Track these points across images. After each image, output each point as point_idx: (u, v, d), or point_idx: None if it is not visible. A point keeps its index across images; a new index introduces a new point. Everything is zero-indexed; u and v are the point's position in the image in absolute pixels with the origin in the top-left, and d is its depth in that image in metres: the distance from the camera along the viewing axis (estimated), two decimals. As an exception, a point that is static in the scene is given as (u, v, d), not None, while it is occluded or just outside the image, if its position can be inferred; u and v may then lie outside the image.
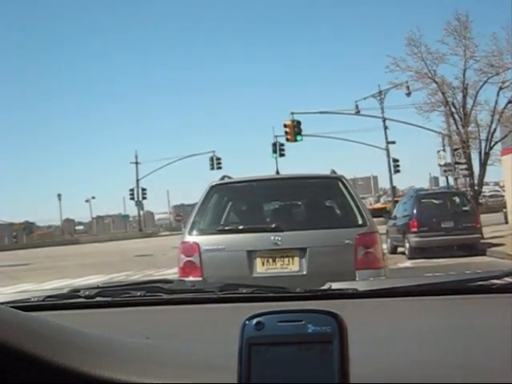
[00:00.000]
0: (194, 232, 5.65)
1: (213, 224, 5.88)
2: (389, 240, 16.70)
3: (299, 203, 6.78)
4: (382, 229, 15.32)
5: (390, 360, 1.10)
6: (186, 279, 4.60)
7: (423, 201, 16.28)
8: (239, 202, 6.54)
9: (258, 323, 0.84)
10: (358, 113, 31.39)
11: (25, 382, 1.00)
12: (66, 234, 63.46)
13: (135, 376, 1.01)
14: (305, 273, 5.28)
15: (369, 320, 1.41)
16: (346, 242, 5.37)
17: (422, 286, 1.75)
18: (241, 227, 5.79)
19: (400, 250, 16.03)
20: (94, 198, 69.77)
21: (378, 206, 43.27)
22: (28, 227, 59.82)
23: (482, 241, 15.66)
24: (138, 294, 1.74)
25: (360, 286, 1.72)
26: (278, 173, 9.09)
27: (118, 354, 1.07)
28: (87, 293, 1.76)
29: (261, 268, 5.39)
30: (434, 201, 16.65)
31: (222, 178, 6.30)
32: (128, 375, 1.01)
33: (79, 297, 1.77)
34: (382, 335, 1.30)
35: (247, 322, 0.85)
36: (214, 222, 5.94)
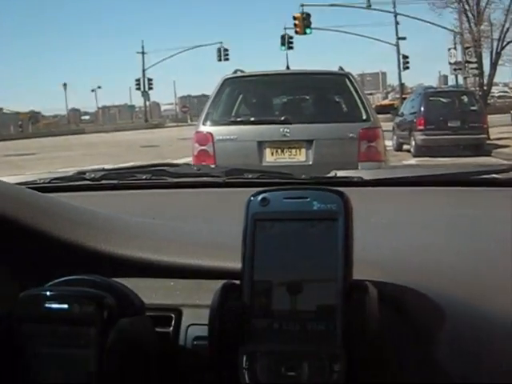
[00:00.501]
0: (208, 123, 6.06)
1: (225, 115, 6.26)
2: (395, 137, 16.66)
3: (307, 98, 7.09)
4: (388, 126, 15.29)
5: (394, 244, 1.11)
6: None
7: (431, 99, 16.11)
8: (250, 95, 6.84)
9: (263, 199, 0.84)
10: (369, 7, 30.63)
11: (32, 256, 1.02)
12: (72, 123, 63.33)
13: (140, 252, 1.02)
14: (311, 163, 5.69)
15: (373, 208, 1.41)
16: (350, 135, 5.76)
17: (428, 177, 1.74)
18: (252, 119, 6.17)
19: (406, 147, 16.02)
20: (99, 87, 69.50)
21: (386, 102, 42.90)
22: (34, 117, 59.65)
23: (488, 142, 15.62)
24: (144, 177, 1.74)
25: (365, 174, 1.71)
26: (288, 68, 9.08)
27: (124, 231, 1.08)
28: (93, 175, 1.77)
29: (270, 158, 5.83)
30: (442, 99, 16.48)
31: (235, 72, 6.64)
32: (134, 251, 1.02)
33: (85, 179, 1.77)
34: (385, 222, 1.30)
35: (252, 198, 0.84)
36: (226, 113, 6.31)
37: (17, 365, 0.84)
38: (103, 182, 1.74)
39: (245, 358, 0.78)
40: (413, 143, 15.24)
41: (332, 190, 0.84)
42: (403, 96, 28.68)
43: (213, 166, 4.36)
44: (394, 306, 0.89)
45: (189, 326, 0.93)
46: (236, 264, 0.86)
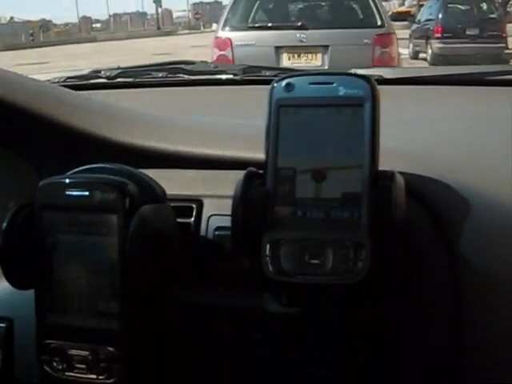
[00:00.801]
0: (227, 28, 6.43)
1: (243, 21, 6.60)
2: (411, 45, 16.33)
3: (323, 4, 7.29)
4: (404, 33, 14.96)
5: (419, 138, 1.09)
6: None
7: (449, 6, 15.66)
8: (267, 1, 7.09)
9: (287, 84, 0.81)
10: None
11: (52, 149, 1.01)
12: (84, 31, 62.52)
13: (161, 143, 1.00)
14: (326, 67, 5.91)
15: (395, 105, 1.38)
16: (365, 41, 6.07)
17: (448, 76, 1.70)
18: (269, 25, 6.45)
19: (422, 56, 15.71)
20: (111, -6, 67.85)
21: (402, 9, 41.68)
22: (45, 25, 58.87)
23: (507, 51, 15.27)
24: (160, 74, 1.70)
25: (385, 73, 1.67)
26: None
27: (145, 123, 1.06)
28: (108, 73, 1.74)
29: (287, 62, 6.13)
30: (461, 6, 16.01)
31: None
32: (154, 142, 1.00)
33: (100, 77, 1.74)
34: (408, 118, 1.28)
35: (276, 84, 0.82)
36: (244, 19, 6.63)
37: (37, 254, 0.84)
38: (119, 80, 1.71)
39: (268, 246, 0.77)
40: (429, 51, 14.93)
41: (359, 75, 0.81)
42: (420, 3, 27.92)
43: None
44: (420, 199, 0.88)
45: (210, 216, 0.92)
46: (258, 154, 0.85)
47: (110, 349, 0.81)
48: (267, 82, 1.42)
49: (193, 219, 0.92)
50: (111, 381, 0.82)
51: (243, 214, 0.78)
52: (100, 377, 0.82)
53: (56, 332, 0.84)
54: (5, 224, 0.83)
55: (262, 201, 0.78)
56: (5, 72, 1.05)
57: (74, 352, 0.83)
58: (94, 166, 0.87)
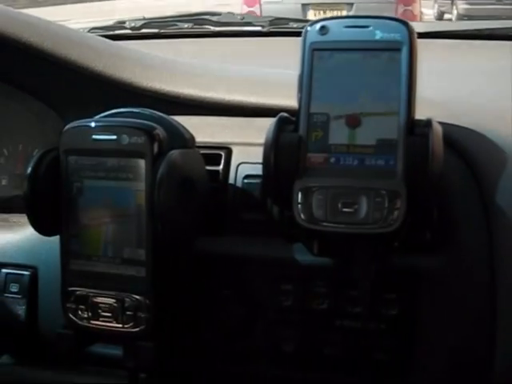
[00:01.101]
0: None
1: None
2: (436, 5, 16.02)
3: None
4: (430, -7, 14.72)
5: (455, 88, 1.05)
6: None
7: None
8: None
9: (322, 28, 0.78)
10: None
11: (80, 95, 0.99)
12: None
13: (189, 89, 0.97)
14: None
15: (426, 57, 1.33)
16: None
17: (481, 31, 1.65)
18: None
19: (447, 16, 15.42)
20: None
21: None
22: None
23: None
24: (186, 25, 1.67)
25: (416, 26, 1.61)
26: None
27: (173, 69, 1.03)
28: (133, 24, 1.70)
29: (313, 18, 6.47)
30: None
31: None
32: (182, 87, 0.97)
33: (125, 28, 1.71)
34: (442, 70, 1.23)
35: (310, 28, 0.78)
36: None
37: (62, 199, 0.81)
38: (144, 30, 1.67)
39: (300, 194, 0.74)
40: (455, 12, 14.64)
41: (396, 18, 0.78)
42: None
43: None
44: (457, 149, 0.85)
45: (239, 164, 0.90)
46: (290, 101, 0.81)
47: (136, 297, 0.79)
48: (294, 34, 1.37)
49: (221, 167, 0.89)
50: (137, 329, 0.80)
51: (275, 160, 0.75)
52: (125, 326, 0.80)
53: (81, 279, 0.82)
54: (29, 170, 0.81)
55: (295, 147, 0.75)
56: (34, 18, 1.03)
57: (99, 300, 0.81)
58: (122, 110, 0.84)
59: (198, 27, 1.66)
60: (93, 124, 0.80)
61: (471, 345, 0.82)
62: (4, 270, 0.97)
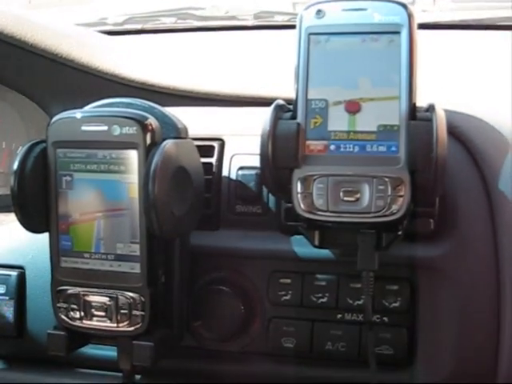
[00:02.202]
0: None
1: None
2: None
3: None
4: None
5: (457, 76, 1.02)
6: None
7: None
8: None
9: (318, 11, 0.74)
10: None
11: (66, 85, 0.95)
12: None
13: (178, 80, 0.93)
14: None
15: (428, 48, 1.30)
16: None
17: (482, 21, 1.62)
18: None
19: None
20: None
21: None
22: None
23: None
24: (169, 20, 1.62)
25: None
26: None
27: (158, 61, 0.99)
28: (116, 20, 1.65)
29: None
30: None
31: None
32: (171, 79, 0.94)
33: (107, 24, 1.66)
34: (440, 60, 1.20)
35: (305, 12, 0.74)
36: None
37: (51, 194, 0.77)
38: (126, 26, 1.62)
39: (299, 183, 0.71)
40: None
41: (395, 0, 0.74)
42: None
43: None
44: (459, 135, 0.81)
45: (233, 155, 0.86)
46: (285, 91, 0.78)
47: (131, 294, 0.75)
48: (280, 27, 1.33)
49: (215, 158, 0.86)
50: (132, 329, 0.76)
51: (273, 148, 0.71)
52: (120, 325, 0.76)
53: (72, 277, 0.78)
54: (16, 163, 0.76)
55: (293, 135, 0.71)
56: (17, 10, 0.99)
57: (91, 298, 0.77)
58: (112, 100, 0.80)
59: (181, 22, 1.62)
60: (82, 115, 0.75)
61: (475, 336, 0.79)
62: (-12, 270, 0.93)
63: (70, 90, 0.95)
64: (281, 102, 0.74)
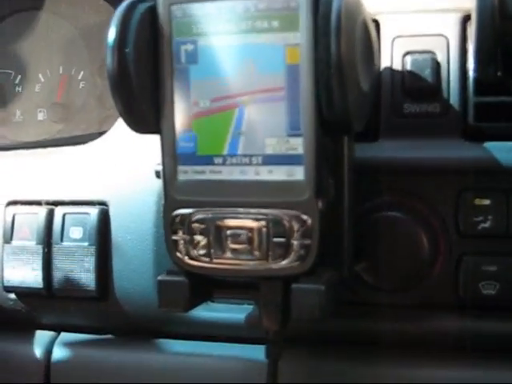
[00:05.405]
0: None
1: None
2: None
3: None
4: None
5: None
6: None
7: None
8: None
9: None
10: None
11: None
12: None
13: None
14: None
15: None
16: None
17: None
18: None
19: None
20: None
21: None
22: None
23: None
24: None
25: None
26: None
27: None
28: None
29: None
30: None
31: None
32: None
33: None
34: None
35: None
36: None
37: (163, 68, 0.50)
38: None
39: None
40: None
41: None
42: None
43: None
44: None
45: (394, 38, 0.60)
46: None
47: (291, 212, 0.48)
48: None
49: None
50: (290, 266, 0.49)
51: None
52: (272, 261, 0.49)
53: (197, 195, 0.50)
54: (113, 31, 0.49)
55: None
56: None
57: (228, 223, 0.49)
58: None
59: None
60: None
61: None
62: (60, 210, 0.65)
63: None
64: None
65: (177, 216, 0.51)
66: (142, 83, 0.49)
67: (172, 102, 0.50)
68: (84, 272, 0.63)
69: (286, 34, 0.47)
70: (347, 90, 0.44)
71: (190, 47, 0.49)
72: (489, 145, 0.56)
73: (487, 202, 0.56)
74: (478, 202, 0.56)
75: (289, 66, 0.47)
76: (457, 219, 0.57)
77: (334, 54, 0.43)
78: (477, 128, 0.56)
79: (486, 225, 0.56)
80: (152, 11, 0.50)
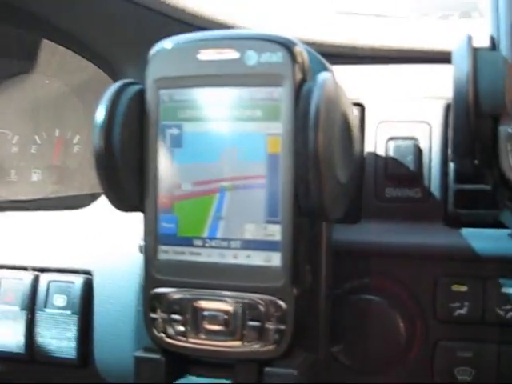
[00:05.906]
0: None
1: None
2: None
3: None
4: None
5: None
6: None
7: None
8: None
9: None
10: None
11: None
12: None
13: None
14: None
15: None
16: None
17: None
18: None
19: None
20: None
21: None
22: None
23: None
24: None
25: None
26: None
27: None
28: None
29: None
30: None
31: None
32: None
33: None
34: None
35: None
36: None
37: (149, 150, 0.51)
38: None
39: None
40: None
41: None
42: None
43: None
44: None
45: (379, 123, 0.61)
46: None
47: (266, 298, 0.49)
48: None
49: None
50: (264, 350, 0.49)
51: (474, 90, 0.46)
52: (247, 343, 0.49)
53: (176, 275, 0.51)
54: (101, 111, 0.50)
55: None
56: None
57: (204, 305, 0.50)
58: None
59: None
60: (199, 37, 0.50)
61: None
62: (45, 277, 0.66)
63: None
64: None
65: (156, 294, 0.51)
66: (127, 163, 0.50)
67: (155, 184, 0.51)
68: (66, 340, 0.63)
69: (267, 123, 0.48)
70: (324, 183, 0.45)
71: (175, 131, 0.50)
72: (467, 231, 0.56)
73: (464, 288, 0.56)
74: (455, 288, 0.56)
75: (270, 155, 0.48)
76: (434, 304, 0.57)
77: (312, 148, 0.44)
78: (456, 214, 0.57)
79: (463, 311, 0.56)
80: (140, 94, 0.51)
